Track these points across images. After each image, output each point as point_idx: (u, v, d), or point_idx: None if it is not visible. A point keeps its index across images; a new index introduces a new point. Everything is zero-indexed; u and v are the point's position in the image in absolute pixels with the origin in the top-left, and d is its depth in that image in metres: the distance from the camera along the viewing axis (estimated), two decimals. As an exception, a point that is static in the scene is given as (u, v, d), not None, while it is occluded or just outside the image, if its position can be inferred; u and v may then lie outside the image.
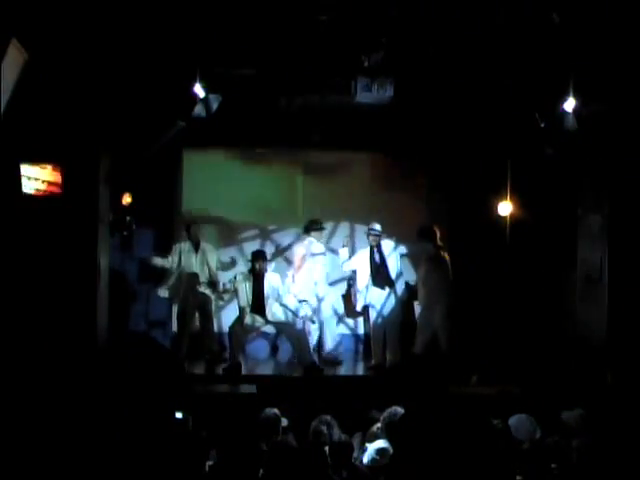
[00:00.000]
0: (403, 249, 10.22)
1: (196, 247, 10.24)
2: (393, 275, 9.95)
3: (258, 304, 9.59)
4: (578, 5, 7.13)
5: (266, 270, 9.63)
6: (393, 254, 10.04)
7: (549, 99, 8.29)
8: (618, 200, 8.39)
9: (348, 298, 11.02)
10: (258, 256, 9.73)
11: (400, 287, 10.01)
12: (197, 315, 10.30)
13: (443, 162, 11.36)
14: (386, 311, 9.93)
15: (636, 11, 7.07)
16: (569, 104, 8.01)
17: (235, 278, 9.75)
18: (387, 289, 9.92)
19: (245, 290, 9.60)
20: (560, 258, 9.51)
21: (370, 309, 10.07)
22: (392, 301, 9.94)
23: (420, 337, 9.87)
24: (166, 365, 9.01)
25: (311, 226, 10.30)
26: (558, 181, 9.34)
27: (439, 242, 9.84)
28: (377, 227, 9.99)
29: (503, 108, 8.85)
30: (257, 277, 9.59)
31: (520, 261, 9.70)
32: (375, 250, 9.93)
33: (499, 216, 9.61)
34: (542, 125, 8.48)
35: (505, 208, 9.49)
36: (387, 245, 10.07)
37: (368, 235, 10.02)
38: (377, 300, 9.96)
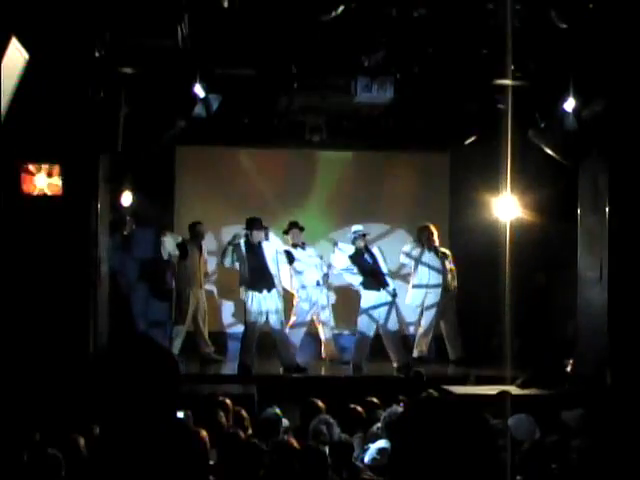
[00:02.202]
0: (403, 248, 10.21)
1: (199, 246, 10.14)
2: (386, 276, 9.74)
3: (259, 276, 8.78)
4: (578, 5, 7.13)
5: (263, 240, 8.83)
6: (381, 256, 9.79)
7: (549, 99, 8.30)
8: (618, 200, 8.39)
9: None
10: (252, 224, 8.82)
11: (394, 288, 9.90)
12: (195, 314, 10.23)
13: (443, 162, 11.35)
14: (382, 312, 9.64)
15: (635, 11, 7.07)
16: (569, 104, 8.01)
17: (225, 252, 8.74)
18: (381, 290, 9.63)
19: (243, 263, 8.69)
20: (560, 258, 9.50)
21: (368, 310, 9.93)
22: (386, 302, 9.65)
23: (422, 341, 9.92)
24: (165, 365, 8.99)
25: (290, 227, 9.95)
26: (558, 181, 9.33)
27: (435, 242, 9.85)
28: (360, 228, 9.74)
29: (503, 107, 8.85)
30: (252, 248, 8.76)
31: (520, 261, 9.69)
32: (364, 252, 9.63)
33: (499, 216, 9.60)
34: (542, 125, 8.48)
35: (504, 208, 9.48)
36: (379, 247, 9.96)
37: (354, 239, 9.65)
38: (371, 302, 9.66)
